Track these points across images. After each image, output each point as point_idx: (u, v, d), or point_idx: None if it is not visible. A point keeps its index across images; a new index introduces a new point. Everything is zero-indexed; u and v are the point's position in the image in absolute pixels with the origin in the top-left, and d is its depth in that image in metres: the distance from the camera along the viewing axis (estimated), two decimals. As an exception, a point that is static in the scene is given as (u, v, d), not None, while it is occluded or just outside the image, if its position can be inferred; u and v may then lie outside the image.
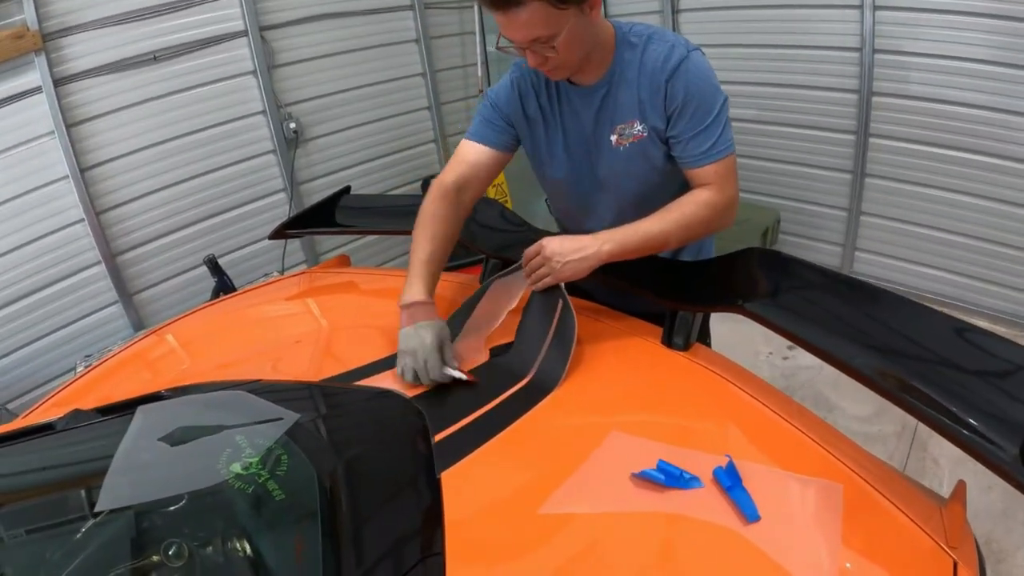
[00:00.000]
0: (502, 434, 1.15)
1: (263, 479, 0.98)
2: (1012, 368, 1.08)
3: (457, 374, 1.28)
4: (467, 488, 1.04)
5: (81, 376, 1.59)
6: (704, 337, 1.70)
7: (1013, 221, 3.18)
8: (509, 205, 4.08)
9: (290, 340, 1.62)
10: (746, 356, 3.07)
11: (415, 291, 1.37)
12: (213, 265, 2.97)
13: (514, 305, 1.46)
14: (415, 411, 1.21)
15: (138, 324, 3.14)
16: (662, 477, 0.99)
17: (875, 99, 3.38)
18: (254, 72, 3.29)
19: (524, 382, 1.29)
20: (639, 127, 1.41)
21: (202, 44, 3.09)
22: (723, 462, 1.01)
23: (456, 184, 1.50)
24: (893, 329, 1.23)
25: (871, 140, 3.48)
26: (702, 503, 0.97)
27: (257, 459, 1.01)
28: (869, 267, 3.78)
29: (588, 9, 1.26)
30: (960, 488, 1.05)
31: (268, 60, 3.29)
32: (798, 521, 0.97)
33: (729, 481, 0.98)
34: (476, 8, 4.05)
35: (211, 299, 2.97)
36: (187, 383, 1.36)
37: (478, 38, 4.08)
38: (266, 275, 3.34)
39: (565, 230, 1.76)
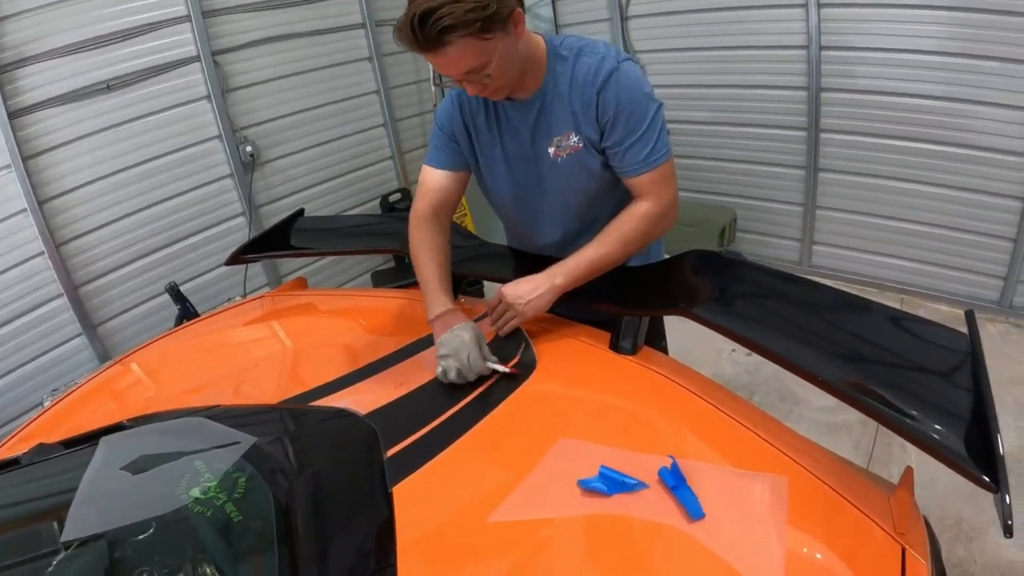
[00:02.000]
0: (453, 446, 1.17)
1: (221, 502, 1.00)
2: (951, 356, 1.13)
3: (500, 367, 1.35)
4: (420, 500, 1.06)
5: (47, 410, 1.59)
6: (659, 340, 1.74)
7: (964, 206, 3.26)
8: (468, 220, 4.12)
9: (250, 364, 1.63)
10: (708, 354, 3.13)
11: (439, 303, 1.45)
12: (175, 292, 2.93)
13: None
14: (367, 428, 1.23)
15: (104, 355, 3.10)
16: (604, 487, 1.01)
17: (824, 95, 3.45)
18: (208, 97, 3.28)
19: (474, 395, 1.31)
20: (574, 138, 1.44)
21: (155, 71, 3.08)
22: (667, 463, 1.03)
23: (429, 211, 1.58)
24: (831, 323, 1.29)
25: (822, 135, 3.55)
26: (647, 504, 0.99)
27: (215, 483, 1.03)
28: (827, 260, 3.85)
29: (513, 27, 1.28)
30: (907, 473, 1.07)
31: (222, 84, 3.30)
32: (743, 516, 0.99)
33: (673, 481, 1.00)
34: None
35: (174, 327, 2.96)
36: (150, 412, 1.37)
37: (429, 56, 4.09)
38: (229, 300, 3.26)
39: (519, 246, 1.79)
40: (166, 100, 3.15)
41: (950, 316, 3.39)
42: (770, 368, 3.31)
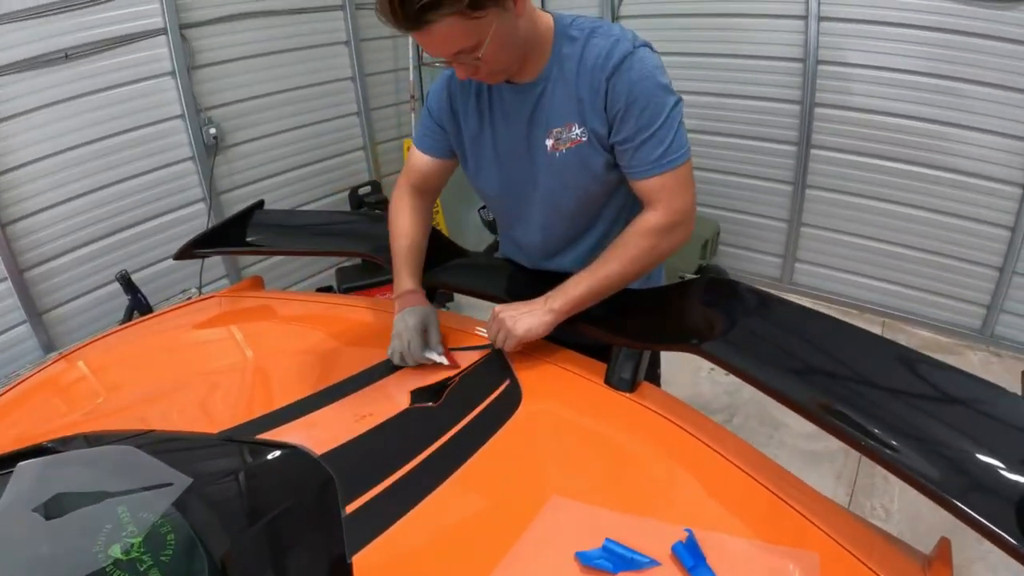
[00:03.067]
0: (424, 501, 1.01)
1: (146, 566, 0.86)
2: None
3: (437, 358, 1.33)
4: (385, 572, 0.91)
5: None
6: (655, 367, 1.61)
7: (952, 232, 3.23)
8: (440, 214, 4.00)
9: (195, 377, 1.47)
10: (685, 374, 3.05)
11: (403, 282, 1.44)
12: (126, 282, 2.78)
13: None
14: (324, 475, 1.07)
15: (48, 345, 2.93)
16: (609, 565, 0.87)
17: (817, 110, 3.38)
18: (172, 73, 3.08)
19: (449, 435, 1.15)
20: (577, 131, 1.28)
21: (118, 42, 2.87)
22: (681, 535, 0.89)
23: (413, 186, 1.55)
24: (851, 367, 1.15)
25: (812, 151, 3.48)
26: (662, 587, 0.86)
27: (139, 540, 0.89)
28: (809, 278, 3.80)
29: (512, 5, 1.14)
30: (943, 546, 0.97)
31: (188, 60, 3.10)
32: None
33: (692, 560, 0.86)
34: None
35: (124, 319, 2.80)
36: (76, 432, 1.22)
37: (411, 41, 3.93)
38: (184, 291, 3.16)
39: (506, 244, 1.67)
40: (128, 74, 2.95)
41: (931, 342, 3.35)
42: (750, 390, 3.21)
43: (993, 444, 0.93)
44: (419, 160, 1.51)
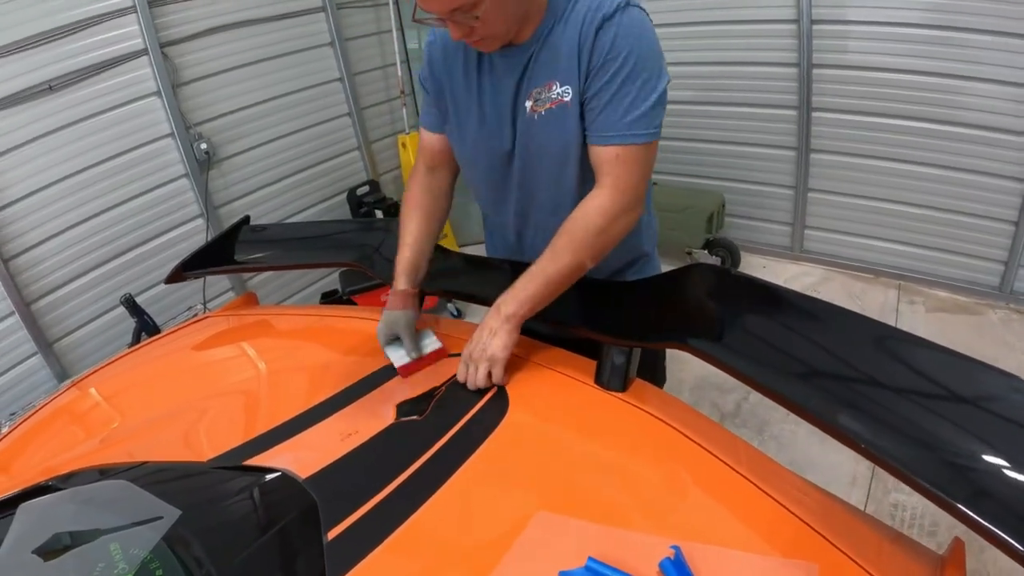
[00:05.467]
0: (406, 523, 0.98)
1: None
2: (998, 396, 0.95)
3: (394, 359, 1.35)
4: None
5: (4, 436, 1.49)
6: (658, 357, 1.58)
7: (963, 188, 3.14)
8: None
9: (196, 401, 1.47)
10: (692, 358, 2.96)
11: (398, 281, 1.41)
12: (131, 305, 2.79)
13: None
14: (307, 501, 1.05)
15: (61, 374, 2.96)
16: (593, 586, 0.84)
17: (816, 71, 3.30)
18: (158, 93, 3.08)
19: (433, 451, 1.12)
20: (558, 90, 1.20)
21: (100, 68, 2.88)
22: (669, 552, 0.85)
23: (426, 168, 1.50)
24: (850, 362, 1.08)
25: (814, 114, 3.40)
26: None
27: None
28: (820, 244, 3.71)
29: None
30: (957, 547, 0.91)
31: (172, 78, 3.09)
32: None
33: None
34: (392, 4, 3.87)
35: (132, 341, 2.81)
36: (76, 468, 1.24)
37: (395, 36, 3.92)
38: (189, 308, 3.16)
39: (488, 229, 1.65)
40: (113, 98, 2.95)
41: (949, 302, 3.27)
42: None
43: (1005, 444, 0.87)
44: (426, 138, 1.47)
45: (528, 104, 1.24)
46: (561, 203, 1.31)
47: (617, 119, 1.16)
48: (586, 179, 1.27)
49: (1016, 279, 3.16)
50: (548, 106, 1.22)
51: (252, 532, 1.06)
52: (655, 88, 1.16)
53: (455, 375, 1.30)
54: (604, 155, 1.20)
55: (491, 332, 1.23)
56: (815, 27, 3.19)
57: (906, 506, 2.17)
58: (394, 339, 1.37)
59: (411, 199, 1.49)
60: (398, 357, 1.35)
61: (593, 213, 1.21)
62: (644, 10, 1.17)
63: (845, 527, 0.94)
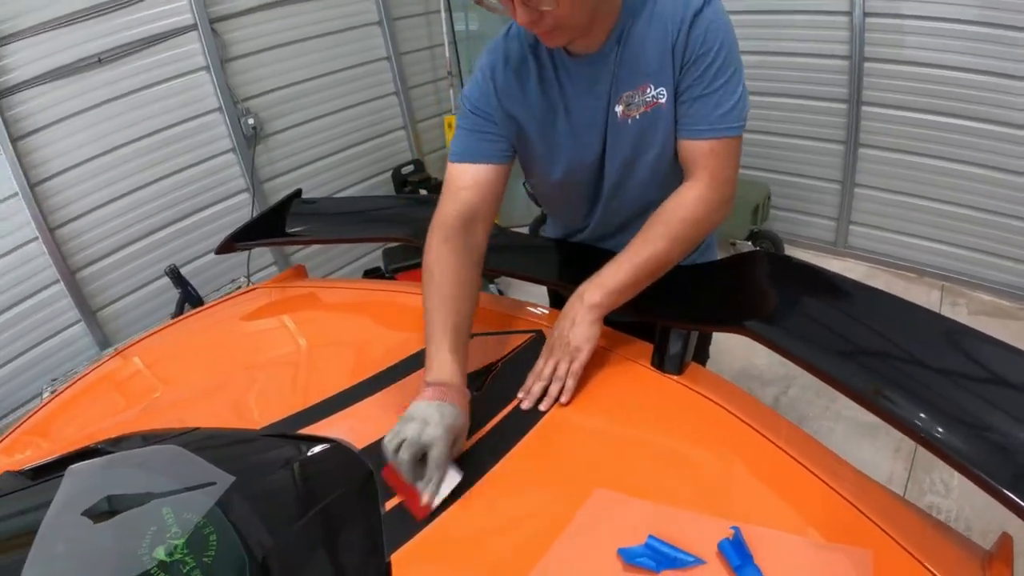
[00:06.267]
0: (464, 497, 0.99)
1: (188, 568, 0.87)
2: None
3: (431, 489, 0.97)
4: (424, 571, 0.89)
5: (46, 404, 1.49)
6: (704, 345, 1.55)
7: (1013, 190, 3.06)
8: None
9: (246, 370, 1.48)
10: (741, 345, 2.92)
11: (439, 368, 1.10)
12: (175, 275, 2.83)
13: None
14: (364, 471, 1.06)
15: (103, 342, 3.01)
16: (652, 563, 0.83)
17: (867, 65, 3.22)
18: (207, 67, 3.11)
19: (489, 427, 1.13)
20: (652, 92, 1.16)
21: (149, 42, 2.90)
22: (728, 531, 0.85)
23: (460, 217, 1.24)
24: (907, 349, 1.08)
25: (864, 108, 3.33)
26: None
27: (183, 541, 0.90)
28: (864, 241, 3.65)
29: None
30: (1005, 543, 0.90)
31: (221, 54, 3.12)
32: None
33: (738, 559, 0.81)
34: (441, -16, 3.87)
35: (176, 312, 2.85)
36: (125, 433, 1.24)
37: (444, 16, 3.91)
38: (233, 281, 3.20)
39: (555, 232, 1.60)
40: (162, 72, 2.99)
41: (991, 306, 3.20)
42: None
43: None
44: (465, 175, 1.26)
45: (619, 109, 1.20)
46: (651, 203, 1.26)
47: (709, 112, 1.15)
48: (677, 176, 1.24)
49: (1064, 286, 3.08)
50: (643, 109, 1.19)
51: (307, 500, 1.07)
52: (740, 80, 1.15)
53: (513, 351, 1.30)
54: (698, 149, 1.18)
55: (572, 322, 1.18)
56: (868, 20, 3.13)
57: (941, 508, 2.14)
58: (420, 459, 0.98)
59: (441, 265, 1.20)
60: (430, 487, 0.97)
61: (692, 203, 1.18)
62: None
63: (896, 515, 0.93)
